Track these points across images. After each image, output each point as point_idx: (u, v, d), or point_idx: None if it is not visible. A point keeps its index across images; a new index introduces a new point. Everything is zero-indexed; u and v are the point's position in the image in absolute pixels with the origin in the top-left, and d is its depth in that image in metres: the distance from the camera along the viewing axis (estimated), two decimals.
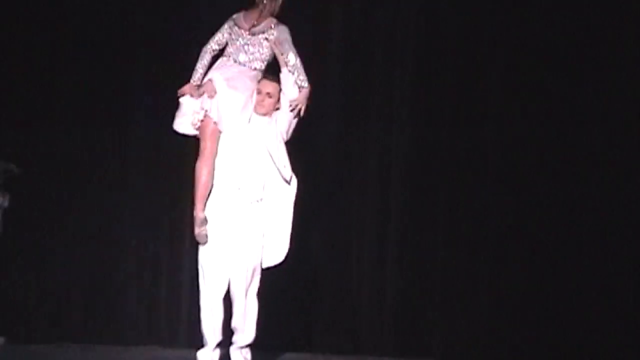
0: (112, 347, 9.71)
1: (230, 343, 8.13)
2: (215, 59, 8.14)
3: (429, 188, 10.05)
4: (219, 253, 8.01)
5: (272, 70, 7.96)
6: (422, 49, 10.22)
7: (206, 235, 8.09)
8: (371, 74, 10.23)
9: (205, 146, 8.10)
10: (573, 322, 9.61)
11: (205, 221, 7.98)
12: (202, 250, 8.04)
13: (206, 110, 8.07)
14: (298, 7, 9.27)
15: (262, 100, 7.93)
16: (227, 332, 8.14)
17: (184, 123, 8.20)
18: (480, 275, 9.91)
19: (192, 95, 8.09)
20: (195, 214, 8.02)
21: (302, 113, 8.01)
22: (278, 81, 8.00)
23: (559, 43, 9.98)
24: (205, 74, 8.17)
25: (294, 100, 7.95)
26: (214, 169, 8.06)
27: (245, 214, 8.01)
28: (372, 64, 10.23)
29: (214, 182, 8.06)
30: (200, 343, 8.09)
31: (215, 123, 8.04)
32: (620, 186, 9.84)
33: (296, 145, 8.04)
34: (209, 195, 8.13)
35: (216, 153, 8.08)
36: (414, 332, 9.95)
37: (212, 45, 8.17)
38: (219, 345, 8.10)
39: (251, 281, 8.04)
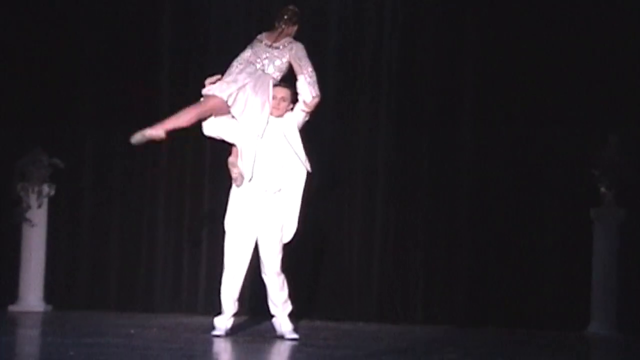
0: (142, 314, 10.27)
1: (272, 316, 8.51)
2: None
3: (409, 179, 10.54)
4: (244, 237, 8.38)
5: (285, 78, 8.46)
6: (405, 56, 10.60)
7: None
8: (360, 75, 10.65)
9: (204, 104, 8.45)
10: (532, 285, 10.13)
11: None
12: (229, 235, 8.41)
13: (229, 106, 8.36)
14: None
15: (278, 104, 8.36)
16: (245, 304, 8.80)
17: (210, 126, 8.53)
18: (454, 250, 10.40)
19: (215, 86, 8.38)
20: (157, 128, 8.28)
21: (309, 117, 8.45)
22: (289, 87, 8.41)
23: (541, 45, 10.25)
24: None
25: (307, 106, 8.38)
26: (196, 117, 8.37)
27: (268, 203, 8.40)
28: (361, 68, 10.65)
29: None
30: (216, 311, 8.56)
31: (229, 112, 8.40)
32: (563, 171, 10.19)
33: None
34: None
35: (204, 118, 8.39)
36: (397, 299, 10.45)
37: (239, 60, 8.51)
38: (234, 315, 8.50)
39: (278, 259, 8.40)
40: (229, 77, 8.48)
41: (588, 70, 10.16)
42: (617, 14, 10.22)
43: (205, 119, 8.49)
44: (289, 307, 8.51)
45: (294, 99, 8.47)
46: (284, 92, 8.41)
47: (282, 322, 8.47)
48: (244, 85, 8.46)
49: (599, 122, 10.03)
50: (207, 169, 10.51)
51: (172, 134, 9.69)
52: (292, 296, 8.65)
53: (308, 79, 8.46)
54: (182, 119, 8.41)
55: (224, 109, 8.45)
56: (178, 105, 8.71)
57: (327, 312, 10.35)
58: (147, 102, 10.58)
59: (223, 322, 8.50)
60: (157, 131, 8.28)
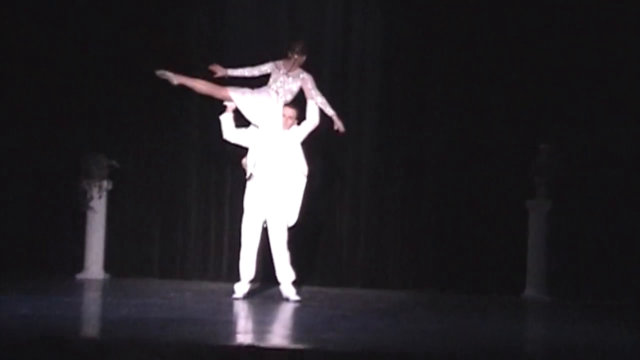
0: (178, 280, 10.34)
1: (279, 283, 8.66)
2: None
3: (386, 174, 10.46)
4: (255, 221, 8.56)
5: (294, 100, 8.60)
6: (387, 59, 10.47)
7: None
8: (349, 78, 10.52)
9: (217, 90, 8.48)
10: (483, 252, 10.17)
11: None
12: (245, 217, 8.55)
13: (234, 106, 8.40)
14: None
15: (286, 121, 8.60)
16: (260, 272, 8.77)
17: (229, 133, 8.63)
18: (422, 230, 10.39)
19: (216, 71, 8.44)
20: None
21: (342, 129, 8.57)
22: (296, 108, 8.62)
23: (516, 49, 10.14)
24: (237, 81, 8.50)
25: (337, 124, 8.53)
26: (200, 88, 8.42)
27: (275, 195, 8.54)
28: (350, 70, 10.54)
29: (256, 171, 8.42)
30: (236, 279, 8.72)
31: (228, 104, 8.43)
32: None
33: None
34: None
35: (201, 93, 8.48)
36: (377, 269, 10.45)
37: (254, 69, 8.65)
38: (250, 281, 8.68)
39: (284, 239, 8.57)
40: (246, 90, 8.46)
41: (529, 94, 10.13)
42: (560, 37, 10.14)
43: (208, 97, 8.56)
44: (292, 276, 8.66)
45: (299, 117, 8.62)
46: (291, 111, 8.65)
47: (287, 288, 8.67)
48: (252, 94, 8.52)
49: (534, 134, 10.01)
50: (230, 166, 10.31)
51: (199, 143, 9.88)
52: (295, 267, 8.72)
53: (320, 105, 8.56)
54: (196, 86, 8.54)
55: (226, 99, 8.51)
56: (208, 105, 8.88)
57: (322, 280, 10.31)
58: (183, 110, 10.49)
59: (241, 287, 8.69)
60: (176, 79, 8.40)
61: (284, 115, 8.61)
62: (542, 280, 9.89)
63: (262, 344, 6.41)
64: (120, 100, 10.59)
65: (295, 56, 8.63)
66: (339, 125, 8.61)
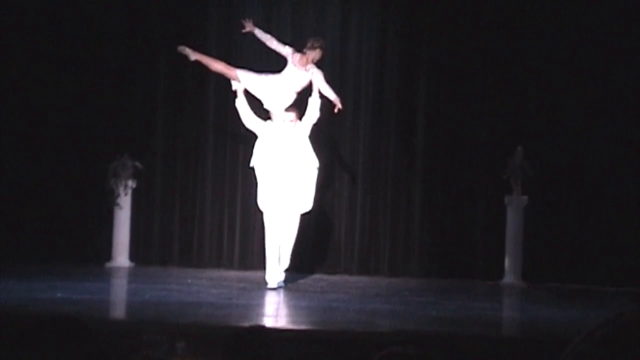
0: (195, 269, 10.13)
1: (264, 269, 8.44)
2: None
3: (380, 170, 10.37)
4: (275, 211, 8.31)
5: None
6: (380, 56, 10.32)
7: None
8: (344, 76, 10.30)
9: (229, 70, 8.24)
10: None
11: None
12: (266, 214, 8.34)
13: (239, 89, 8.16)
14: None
15: (290, 122, 8.29)
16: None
17: (247, 116, 8.33)
18: (411, 222, 10.32)
19: (245, 26, 8.28)
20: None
21: (340, 105, 8.17)
22: (296, 110, 8.31)
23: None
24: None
25: (337, 101, 8.14)
26: (217, 67, 8.22)
27: (290, 183, 8.26)
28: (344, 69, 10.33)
29: (267, 168, 8.17)
30: (248, 266, 8.91)
31: (237, 90, 8.19)
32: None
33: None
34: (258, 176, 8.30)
35: (214, 71, 8.27)
36: (371, 258, 10.36)
37: (276, 42, 8.31)
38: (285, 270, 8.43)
39: (295, 226, 8.32)
40: (256, 74, 8.22)
41: (507, 99, 10.08)
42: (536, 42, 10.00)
43: (221, 76, 8.40)
44: (288, 264, 8.52)
45: (299, 115, 8.35)
46: (292, 115, 8.35)
47: (277, 274, 8.45)
48: (260, 75, 8.27)
49: (511, 136, 10.00)
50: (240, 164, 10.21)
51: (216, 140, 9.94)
52: (297, 256, 8.80)
53: (325, 93, 8.23)
54: (210, 64, 8.35)
55: (234, 79, 8.29)
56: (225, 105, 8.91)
57: (322, 268, 10.23)
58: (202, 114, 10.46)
59: (273, 277, 8.37)
60: (193, 55, 8.30)
61: (285, 120, 8.33)
62: (518, 268, 9.81)
63: (270, 325, 6.46)
64: (141, 107, 10.58)
65: (308, 51, 8.30)
66: (338, 105, 8.24)
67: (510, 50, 10.11)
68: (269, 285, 8.34)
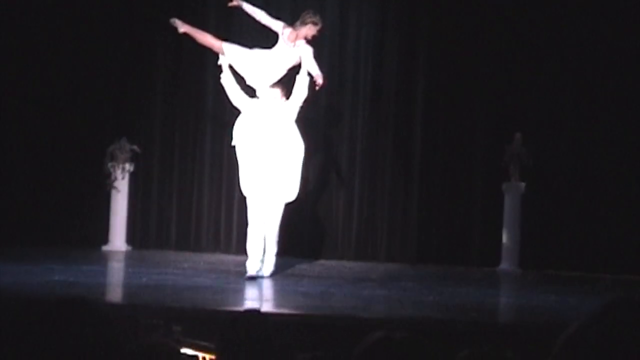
0: (192, 253, 10.18)
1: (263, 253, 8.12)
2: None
3: (378, 157, 10.42)
4: (258, 196, 7.99)
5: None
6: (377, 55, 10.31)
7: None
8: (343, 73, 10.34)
9: (214, 42, 7.95)
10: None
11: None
12: (249, 199, 8.04)
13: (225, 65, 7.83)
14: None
15: (277, 98, 7.85)
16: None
17: (233, 93, 7.92)
18: (408, 208, 10.30)
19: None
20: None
21: (320, 81, 7.71)
22: (282, 87, 7.88)
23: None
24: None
25: (318, 77, 7.70)
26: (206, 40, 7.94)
27: (274, 169, 7.89)
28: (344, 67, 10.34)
29: (253, 157, 7.80)
30: (244, 252, 8.30)
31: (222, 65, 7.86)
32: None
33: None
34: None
35: (201, 43, 7.94)
36: (368, 244, 10.37)
37: (266, 16, 7.93)
38: (261, 259, 8.07)
39: (279, 213, 7.99)
40: (242, 47, 7.95)
41: (506, 86, 10.10)
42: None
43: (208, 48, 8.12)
44: (275, 250, 8.16)
45: (287, 93, 7.94)
46: (278, 91, 7.94)
47: (264, 263, 8.14)
48: (246, 49, 7.97)
49: (509, 124, 10.03)
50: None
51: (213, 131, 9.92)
52: (295, 242, 8.99)
53: (311, 71, 7.81)
54: (197, 36, 8.07)
55: (219, 51, 7.99)
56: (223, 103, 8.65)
57: (319, 253, 10.25)
58: (199, 106, 10.48)
59: (252, 265, 8.10)
60: (182, 27, 8.00)
61: (270, 97, 7.91)
62: (515, 255, 9.83)
63: (266, 310, 6.42)
64: (138, 90, 10.56)
65: (298, 27, 7.89)
66: (319, 80, 7.77)
67: (509, 38, 10.11)
68: (248, 274, 7.99)
